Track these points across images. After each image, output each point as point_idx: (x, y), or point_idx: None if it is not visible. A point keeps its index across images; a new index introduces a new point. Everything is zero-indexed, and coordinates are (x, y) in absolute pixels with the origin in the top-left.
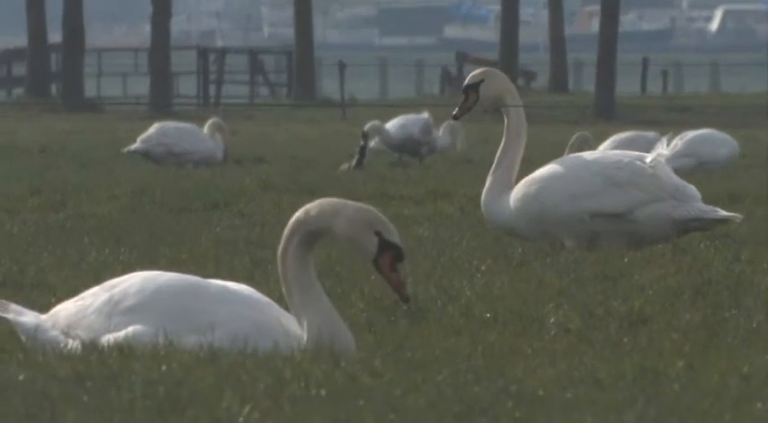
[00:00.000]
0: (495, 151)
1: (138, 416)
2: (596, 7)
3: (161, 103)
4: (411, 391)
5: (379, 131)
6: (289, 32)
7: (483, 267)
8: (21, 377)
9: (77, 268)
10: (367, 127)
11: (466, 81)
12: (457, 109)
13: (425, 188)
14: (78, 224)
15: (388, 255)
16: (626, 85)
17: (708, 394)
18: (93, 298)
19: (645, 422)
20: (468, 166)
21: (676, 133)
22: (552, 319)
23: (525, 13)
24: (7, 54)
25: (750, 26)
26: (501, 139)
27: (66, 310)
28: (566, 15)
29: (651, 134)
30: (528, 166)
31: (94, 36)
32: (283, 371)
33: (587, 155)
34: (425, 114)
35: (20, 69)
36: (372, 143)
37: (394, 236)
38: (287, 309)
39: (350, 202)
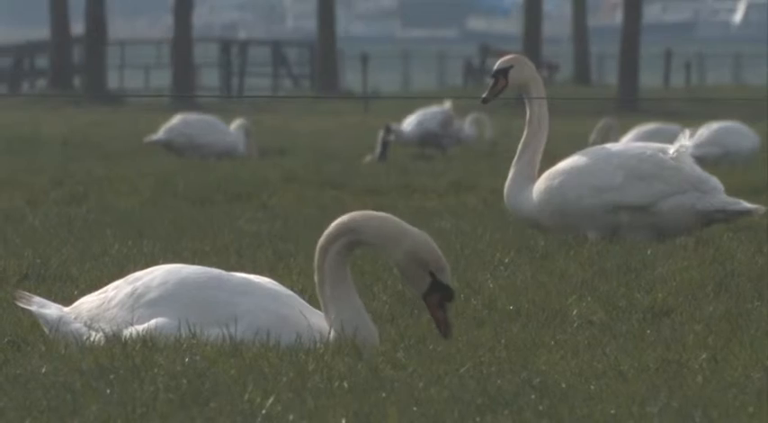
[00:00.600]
0: (518, 144)
1: (160, 408)
2: None
3: (183, 96)
4: (434, 383)
5: (397, 135)
6: (312, 24)
7: (506, 260)
8: (43, 369)
9: (100, 261)
10: (389, 126)
11: (496, 65)
12: (486, 92)
13: (448, 180)
14: (101, 216)
15: (439, 294)
16: (649, 77)
17: (731, 386)
18: (116, 291)
19: (668, 414)
20: (491, 159)
21: (699, 127)
22: (575, 312)
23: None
24: (29, 46)
25: None
26: (523, 132)
27: (89, 302)
28: (588, 7)
29: (675, 127)
30: (550, 159)
31: (117, 29)
32: (306, 363)
33: (610, 147)
34: (447, 105)
35: (42, 61)
36: (393, 137)
37: (447, 277)
38: (309, 301)
39: (409, 231)
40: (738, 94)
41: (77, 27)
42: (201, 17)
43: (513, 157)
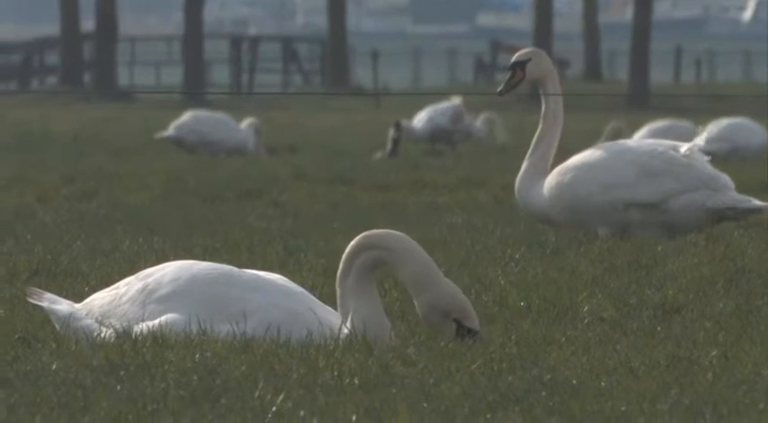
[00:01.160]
0: (530, 141)
1: (171, 405)
2: None
3: (194, 92)
4: (444, 379)
5: (407, 131)
6: (322, 20)
7: (517, 256)
8: (54, 366)
9: (111, 257)
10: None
11: (513, 58)
12: (502, 85)
13: (459, 176)
14: (111, 213)
15: (466, 337)
16: (659, 74)
17: (741, 383)
18: (127, 287)
19: (678, 411)
20: (502, 155)
21: (709, 123)
22: (586, 308)
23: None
24: (39, 43)
25: None
26: (536, 129)
27: (100, 299)
28: (599, 4)
29: (687, 124)
30: (561, 155)
31: (127, 25)
32: (317, 360)
33: (621, 143)
34: (457, 101)
35: (52, 58)
36: (395, 134)
37: (474, 322)
38: (319, 298)
39: (434, 281)
40: (748, 90)
41: (87, 24)
42: (212, 13)
43: (524, 154)
